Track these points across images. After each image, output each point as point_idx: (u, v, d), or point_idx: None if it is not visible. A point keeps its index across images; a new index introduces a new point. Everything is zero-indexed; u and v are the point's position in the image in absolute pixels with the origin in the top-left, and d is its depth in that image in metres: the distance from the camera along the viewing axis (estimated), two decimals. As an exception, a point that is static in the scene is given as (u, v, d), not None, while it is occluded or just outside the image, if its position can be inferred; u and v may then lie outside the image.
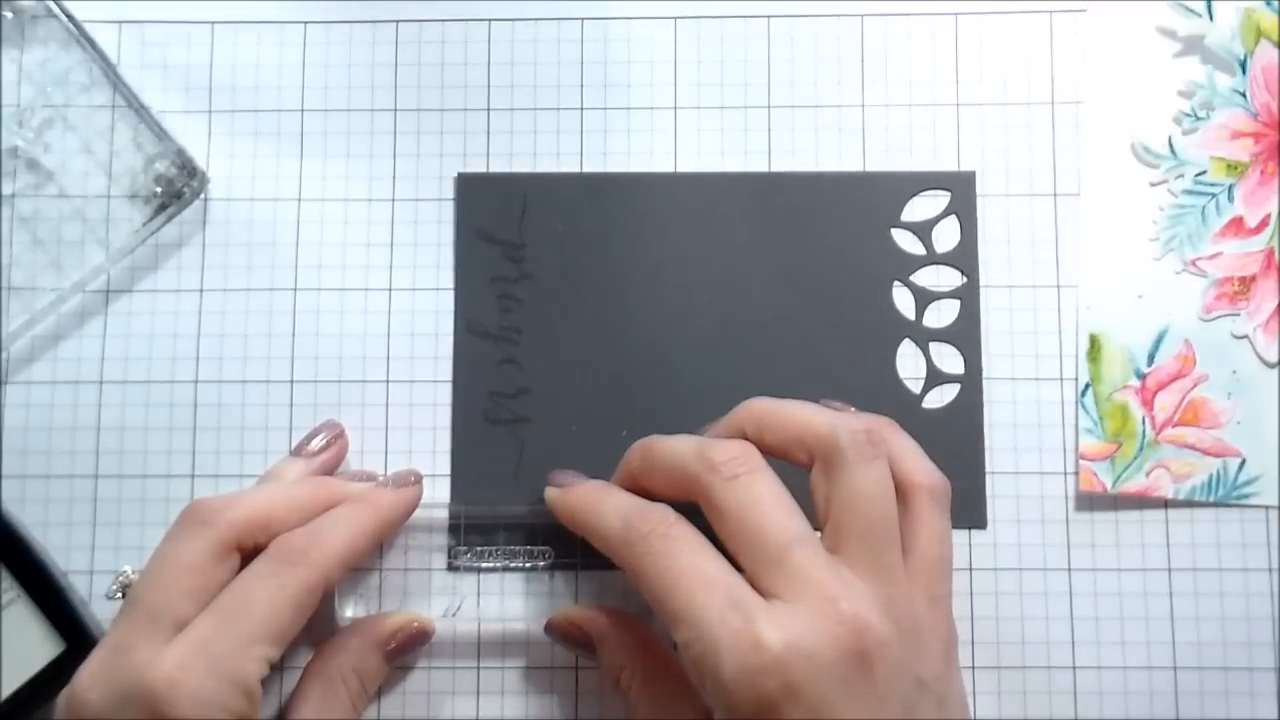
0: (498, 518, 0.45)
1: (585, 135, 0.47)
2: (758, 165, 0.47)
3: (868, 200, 0.46)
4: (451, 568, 0.45)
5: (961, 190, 0.46)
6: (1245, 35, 0.46)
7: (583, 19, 0.48)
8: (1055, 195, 0.47)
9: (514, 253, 0.46)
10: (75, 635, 0.42)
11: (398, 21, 0.48)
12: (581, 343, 0.46)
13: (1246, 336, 0.45)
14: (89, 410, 0.46)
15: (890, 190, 0.47)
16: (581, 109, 0.47)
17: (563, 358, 0.46)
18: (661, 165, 0.47)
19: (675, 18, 0.48)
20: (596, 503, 0.40)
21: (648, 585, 0.37)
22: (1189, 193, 0.46)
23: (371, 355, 0.46)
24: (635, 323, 0.46)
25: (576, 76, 0.47)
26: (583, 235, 0.46)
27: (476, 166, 0.47)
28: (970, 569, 0.45)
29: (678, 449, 0.39)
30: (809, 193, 0.47)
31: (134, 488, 0.45)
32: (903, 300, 0.46)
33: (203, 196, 0.47)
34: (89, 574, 0.45)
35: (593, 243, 0.46)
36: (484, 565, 0.45)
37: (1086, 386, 0.45)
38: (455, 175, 0.47)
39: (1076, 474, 0.45)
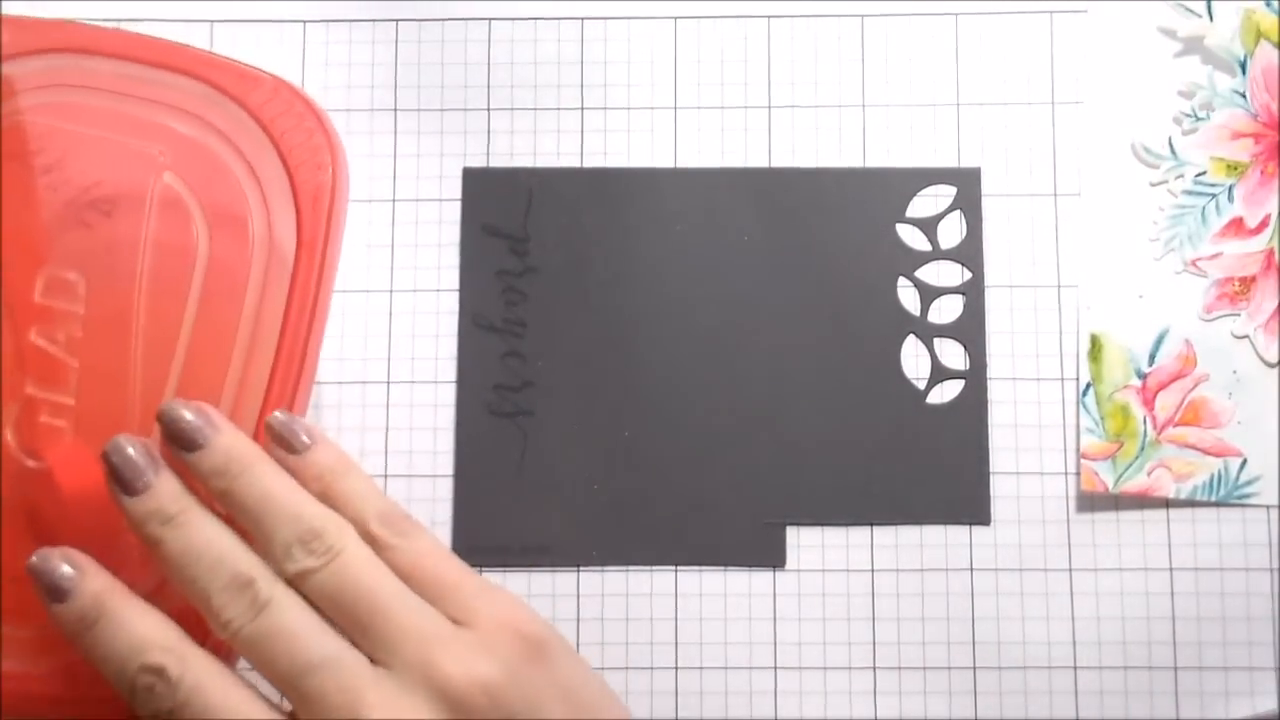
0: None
1: (586, 135, 0.47)
2: (758, 165, 0.47)
3: (873, 196, 0.46)
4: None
5: (966, 186, 0.46)
6: (1245, 36, 0.46)
7: (583, 18, 0.48)
8: (1056, 195, 0.47)
9: (519, 246, 0.46)
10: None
11: (397, 21, 0.48)
12: (586, 337, 0.46)
13: (1247, 337, 0.45)
14: (88, 411, 0.46)
15: (896, 186, 0.47)
16: (582, 109, 0.47)
17: (567, 351, 0.46)
18: (662, 165, 0.47)
19: (675, 17, 0.48)
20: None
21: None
22: (1189, 193, 0.46)
23: (372, 356, 0.46)
24: (640, 317, 0.46)
25: (577, 76, 0.47)
26: (588, 230, 0.46)
27: (477, 166, 0.47)
28: (971, 569, 0.45)
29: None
30: (815, 188, 0.47)
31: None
32: (907, 296, 0.46)
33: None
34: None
35: (598, 237, 0.46)
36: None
37: (1087, 386, 0.45)
38: (461, 169, 0.47)
39: (1078, 474, 0.45)
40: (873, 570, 0.45)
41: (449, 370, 0.46)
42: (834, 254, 0.46)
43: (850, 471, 0.45)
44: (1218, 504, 0.45)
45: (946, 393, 0.46)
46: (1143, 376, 0.45)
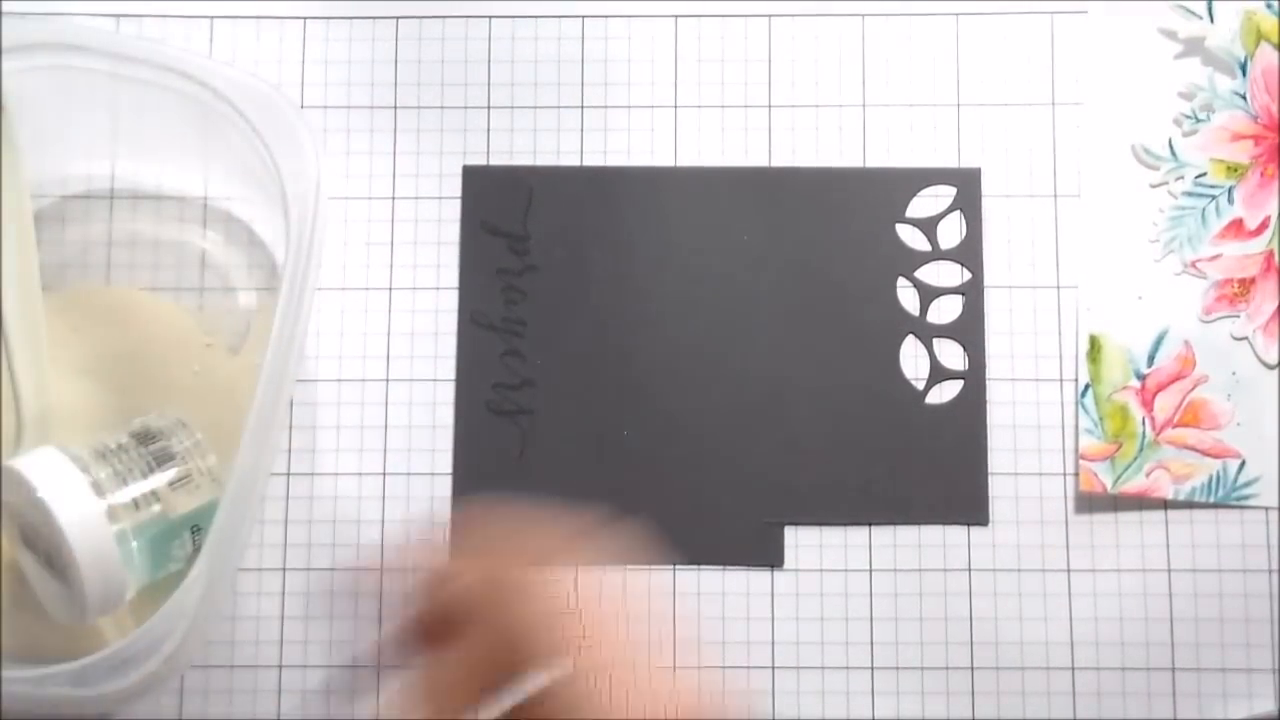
0: None
1: (586, 133, 0.47)
2: (758, 164, 0.47)
3: (873, 196, 0.46)
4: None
5: (966, 186, 0.46)
6: (1246, 38, 0.46)
7: (583, 17, 0.48)
8: (1056, 196, 0.47)
9: (518, 245, 0.46)
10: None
11: (398, 18, 0.48)
12: (585, 335, 0.46)
13: (1246, 338, 0.45)
14: (86, 407, 0.45)
15: (896, 186, 0.47)
16: (582, 107, 0.47)
17: (566, 350, 0.46)
18: (662, 163, 0.47)
19: (676, 16, 0.48)
20: None
21: None
22: (1189, 194, 0.46)
23: (371, 354, 0.46)
24: (639, 316, 0.46)
25: (577, 74, 0.47)
26: (587, 228, 0.46)
27: (477, 164, 0.47)
28: (970, 569, 0.45)
29: None
30: (816, 187, 0.47)
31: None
32: (907, 296, 0.46)
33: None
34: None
35: (597, 236, 0.46)
36: None
37: (1086, 387, 0.45)
38: (461, 167, 0.47)
39: (1076, 474, 0.45)
40: (871, 570, 0.45)
41: (448, 368, 0.46)
42: (834, 254, 0.46)
43: (849, 472, 0.45)
44: (1216, 505, 0.45)
45: (945, 393, 0.46)
46: (1142, 377, 0.45)
